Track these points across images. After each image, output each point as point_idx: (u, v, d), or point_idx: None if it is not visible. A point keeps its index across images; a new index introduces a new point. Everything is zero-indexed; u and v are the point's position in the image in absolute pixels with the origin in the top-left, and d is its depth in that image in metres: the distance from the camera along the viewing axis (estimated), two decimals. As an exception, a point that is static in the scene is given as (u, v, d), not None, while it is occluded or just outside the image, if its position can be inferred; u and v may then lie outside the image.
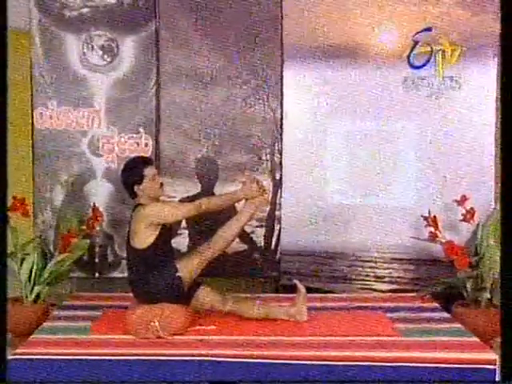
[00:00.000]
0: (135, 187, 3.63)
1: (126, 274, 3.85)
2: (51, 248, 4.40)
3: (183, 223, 4.61)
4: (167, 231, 3.71)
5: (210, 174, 4.65)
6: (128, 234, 3.68)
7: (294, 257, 4.63)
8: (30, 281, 4.14)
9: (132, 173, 3.65)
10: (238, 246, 4.62)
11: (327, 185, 4.64)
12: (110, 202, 4.61)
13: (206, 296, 3.71)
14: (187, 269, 3.63)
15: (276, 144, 4.62)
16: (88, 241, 4.39)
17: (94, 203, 4.53)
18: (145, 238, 3.58)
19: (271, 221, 4.64)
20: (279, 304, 3.88)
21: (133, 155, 4.49)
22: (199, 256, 3.68)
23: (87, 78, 4.60)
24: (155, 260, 3.60)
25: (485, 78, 4.42)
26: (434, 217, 4.29)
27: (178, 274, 3.60)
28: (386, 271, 4.58)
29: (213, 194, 4.57)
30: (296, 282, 3.88)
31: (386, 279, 4.57)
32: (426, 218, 4.30)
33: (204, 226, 4.60)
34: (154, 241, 3.59)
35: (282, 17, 4.54)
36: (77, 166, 4.61)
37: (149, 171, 3.65)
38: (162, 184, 3.73)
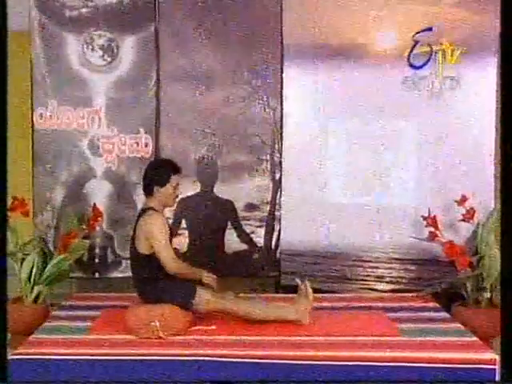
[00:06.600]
0: (155, 187, 3.63)
1: (126, 274, 3.84)
2: (51, 248, 4.40)
3: (183, 223, 4.61)
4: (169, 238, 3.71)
5: (209, 174, 4.65)
6: (133, 235, 3.68)
7: (294, 257, 4.62)
8: (29, 281, 4.15)
9: (160, 173, 3.65)
10: (238, 245, 4.62)
11: (327, 185, 4.63)
12: (110, 202, 4.61)
13: (206, 296, 3.70)
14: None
15: (276, 144, 4.61)
16: (88, 241, 4.41)
17: (94, 203, 4.53)
18: (148, 246, 3.59)
19: (271, 221, 4.64)
20: (279, 304, 3.87)
21: (132, 155, 4.52)
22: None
23: (87, 77, 4.59)
24: (159, 265, 3.60)
25: (485, 77, 4.43)
26: (434, 217, 4.29)
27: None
28: (387, 271, 4.58)
29: (213, 194, 4.59)
30: (298, 281, 3.85)
31: (387, 279, 4.57)
32: (425, 218, 4.30)
33: (204, 225, 4.61)
34: None
35: (281, 17, 4.54)
36: (77, 166, 4.61)
37: (175, 179, 3.66)
38: (177, 196, 3.76)
